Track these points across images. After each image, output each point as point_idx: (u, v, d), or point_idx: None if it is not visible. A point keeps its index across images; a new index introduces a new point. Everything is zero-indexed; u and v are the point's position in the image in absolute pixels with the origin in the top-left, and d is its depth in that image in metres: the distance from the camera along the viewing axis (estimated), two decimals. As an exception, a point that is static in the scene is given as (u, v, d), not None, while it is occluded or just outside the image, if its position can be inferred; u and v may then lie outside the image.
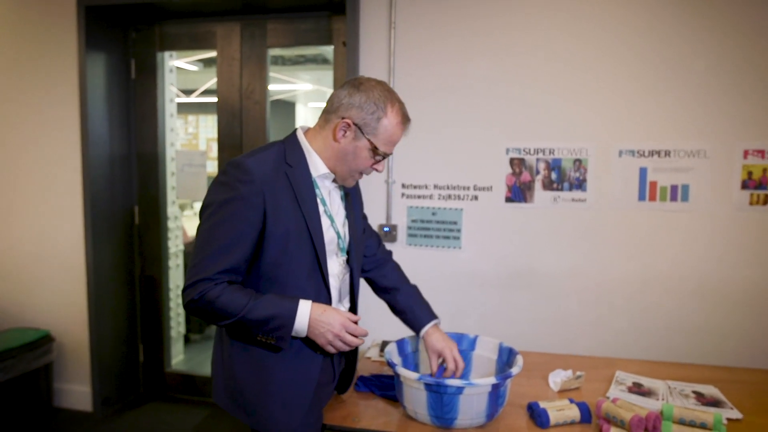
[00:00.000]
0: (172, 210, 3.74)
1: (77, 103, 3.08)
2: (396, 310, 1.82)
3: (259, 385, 1.52)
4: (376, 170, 1.56)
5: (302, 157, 1.51)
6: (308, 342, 1.52)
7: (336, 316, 1.49)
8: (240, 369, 1.53)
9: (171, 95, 3.57)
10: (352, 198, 1.69)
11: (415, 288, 1.85)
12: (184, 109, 7.22)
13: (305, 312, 1.46)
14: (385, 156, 1.53)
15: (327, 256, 1.55)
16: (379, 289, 1.85)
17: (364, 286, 1.81)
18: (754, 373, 2.11)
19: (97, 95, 3.11)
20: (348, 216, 1.64)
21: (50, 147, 3.19)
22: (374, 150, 1.49)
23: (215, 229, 1.42)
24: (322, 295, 1.55)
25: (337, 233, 1.58)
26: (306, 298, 1.49)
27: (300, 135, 1.55)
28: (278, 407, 1.51)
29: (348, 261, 1.65)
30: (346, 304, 1.69)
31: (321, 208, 1.53)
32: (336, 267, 1.61)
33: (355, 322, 1.52)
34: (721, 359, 2.52)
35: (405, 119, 1.53)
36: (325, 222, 1.54)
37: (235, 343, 1.54)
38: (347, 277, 1.66)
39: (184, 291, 1.43)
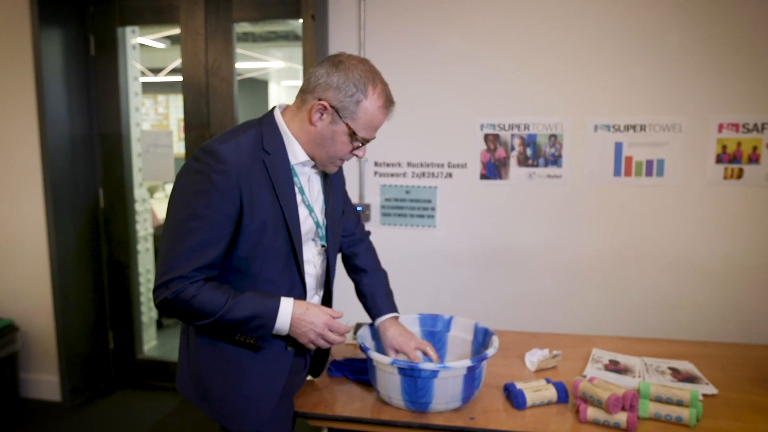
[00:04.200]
0: (139, 192, 3.63)
1: (33, 82, 2.93)
2: (359, 292, 1.76)
3: (224, 379, 1.45)
4: (357, 156, 1.46)
5: (280, 142, 1.40)
6: (282, 336, 1.45)
7: (319, 315, 1.42)
8: (205, 361, 1.46)
9: (135, 73, 3.43)
10: (332, 179, 1.59)
11: (383, 275, 1.78)
12: (153, 88, 7.02)
13: (287, 311, 1.39)
14: (365, 142, 1.42)
15: (304, 245, 1.47)
16: (348, 267, 1.79)
17: (338, 268, 1.75)
18: (727, 348, 2.12)
19: (53, 73, 2.96)
20: (326, 201, 1.55)
21: (5, 128, 3.04)
22: (353, 135, 1.39)
23: (188, 222, 1.31)
24: (296, 288, 1.47)
25: (316, 222, 1.50)
26: (279, 290, 1.42)
27: (277, 116, 1.43)
28: (244, 403, 1.45)
29: (326, 249, 1.57)
30: (321, 292, 1.63)
31: (299, 198, 1.44)
32: (313, 255, 1.54)
33: (338, 318, 1.46)
34: (695, 333, 2.53)
35: (388, 102, 1.41)
36: (302, 212, 1.45)
37: (201, 335, 1.47)
38: (324, 264, 1.59)
39: (155, 290, 1.33)
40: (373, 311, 1.71)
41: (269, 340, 1.41)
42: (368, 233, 1.85)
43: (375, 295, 1.72)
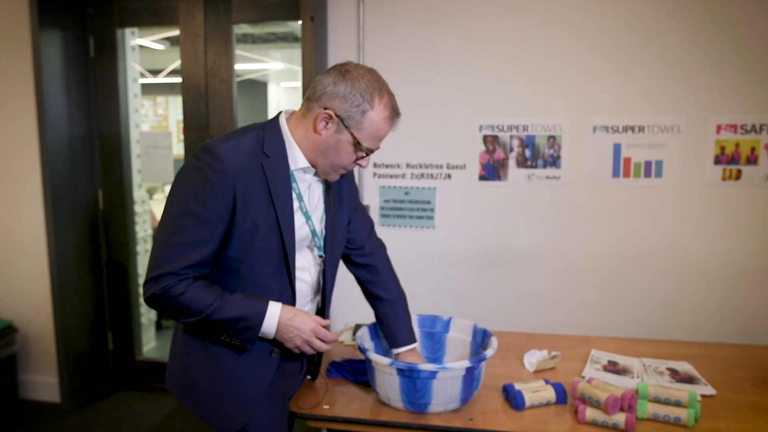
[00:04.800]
0: (138, 194, 3.63)
1: (32, 84, 2.93)
2: (376, 317, 1.74)
3: (209, 378, 1.46)
4: (360, 165, 1.45)
5: (281, 147, 1.40)
6: (269, 341, 1.45)
7: (307, 321, 1.42)
8: (192, 360, 1.47)
9: (134, 74, 3.43)
10: (337, 190, 1.57)
11: (401, 303, 1.73)
12: (152, 90, 7.02)
13: (274, 315, 1.39)
14: (369, 152, 1.42)
15: (299, 252, 1.47)
16: (365, 292, 1.76)
17: (343, 275, 1.74)
18: (726, 348, 2.12)
19: (53, 75, 2.96)
20: (327, 211, 1.54)
21: (5, 130, 3.04)
22: (357, 145, 1.38)
23: (182, 218, 1.31)
24: (286, 295, 1.46)
25: (313, 231, 1.49)
26: (269, 294, 1.42)
27: (282, 122, 1.43)
28: (225, 403, 1.46)
29: (324, 259, 1.56)
30: (316, 301, 1.61)
31: (296, 204, 1.43)
32: (309, 263, 1.52)
33: (326, 327, 1.46)
34: (694, 334, 2.53)
35: (394, 113, 1.41)
36: (299, 219, 1.44)
37: (189, 333, 1.48)
38: (321, 274, 1.58)
39: (145, 284, 1.34)
40: (391, 341, 1.71)
41: (254, 342, 1.41)
42: (382, 249, 1.77)
43: (392, 326, 1.70)
